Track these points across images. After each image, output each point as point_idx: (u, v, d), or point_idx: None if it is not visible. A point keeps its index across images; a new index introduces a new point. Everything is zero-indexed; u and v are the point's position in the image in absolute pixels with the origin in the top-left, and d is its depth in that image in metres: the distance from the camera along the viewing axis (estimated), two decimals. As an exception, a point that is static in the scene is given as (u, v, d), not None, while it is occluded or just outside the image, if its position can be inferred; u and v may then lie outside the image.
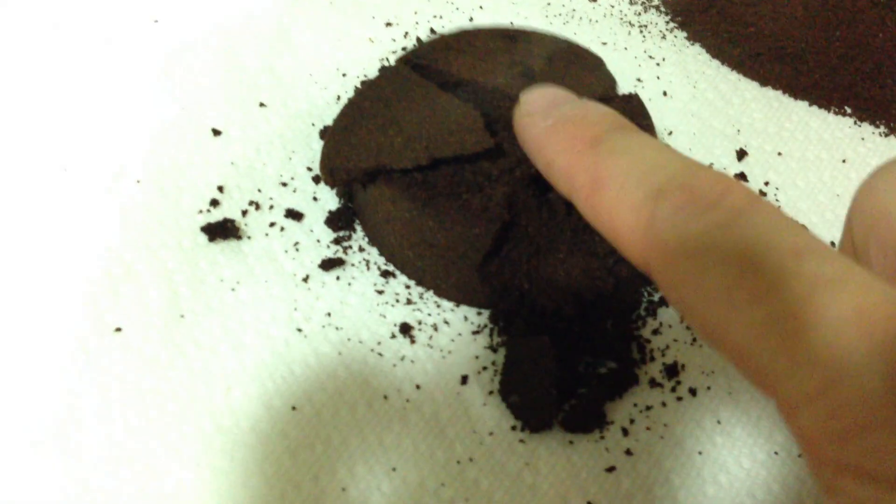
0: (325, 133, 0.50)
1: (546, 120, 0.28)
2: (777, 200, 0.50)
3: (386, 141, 0.44)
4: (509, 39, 0.50)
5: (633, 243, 0.25)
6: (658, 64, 0.57)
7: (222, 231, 0.46)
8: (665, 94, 0.55)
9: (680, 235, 0.23)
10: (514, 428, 0.40)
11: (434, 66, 0.48)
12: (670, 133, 0.53)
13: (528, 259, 0.43)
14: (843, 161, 0.52)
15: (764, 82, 0.57)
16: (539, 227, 0.43)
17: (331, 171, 0.44)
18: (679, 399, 0.42)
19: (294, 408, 0.40)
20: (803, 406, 0.20)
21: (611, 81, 0.49)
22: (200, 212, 0.47)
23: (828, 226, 0.49)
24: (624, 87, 0.54)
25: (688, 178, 0.24)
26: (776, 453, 0.40)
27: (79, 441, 0.39)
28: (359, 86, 0.50)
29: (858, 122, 0.54)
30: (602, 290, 0.43)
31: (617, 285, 0.43)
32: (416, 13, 0.58)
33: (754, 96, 0.56)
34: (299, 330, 0.43)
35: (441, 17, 0.58)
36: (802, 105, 0.55)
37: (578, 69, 0.49)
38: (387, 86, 0.47)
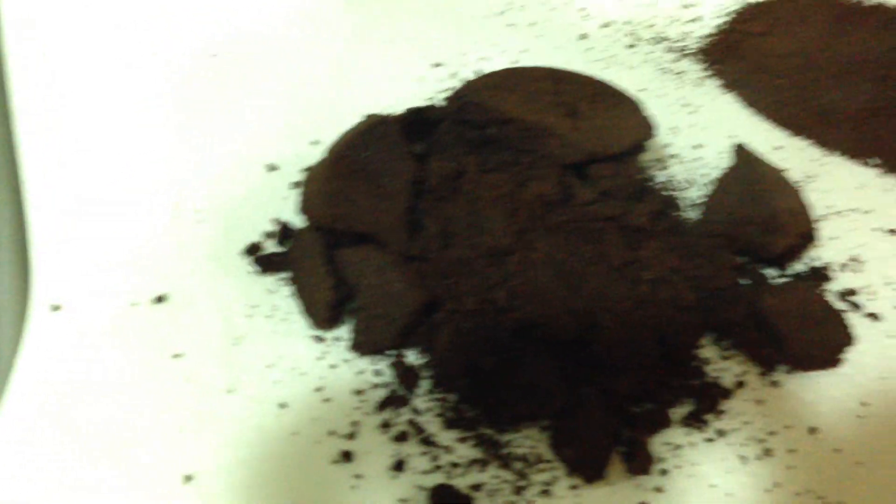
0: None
1: None
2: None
3: (377, 214, 0.48)
4: (555, 80, 0.53)
5: None
6: (692, 112, 0.59)
7: (273, 264, 0.49)
8: (697, 146, 0.57)
9: None
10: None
11: (486, 102, 0.50)
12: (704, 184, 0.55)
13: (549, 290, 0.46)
14: (867, 212, 0.53)
15: (796, 132, 0.58)
16: (568, 255, 0.46)
17: (318, 221, 0.48)
18: (709, 440, 0.44)
19: (332, 432, 0.43)
20: None
21: (649, 125, 0.51)
22: (255, 244, 0.49)
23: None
24: (660, 135, 0.56)
25: None
26: (798, 494, 0.42)
27: (139, 461, 0.41)
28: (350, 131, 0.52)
29: (887, 173, 0.56)
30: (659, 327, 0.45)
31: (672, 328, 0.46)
32: (463, 55, 0.61)
33: (784, 145, 0.57)
34: (346, 360, 0.46)
35: (488, 60, 0.60)
36: (832, 155, 0.57)
37: (620, 111, 0.52)
38: (375, 145, 0.49)
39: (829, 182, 0.55)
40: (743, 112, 0.60)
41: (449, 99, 0.52)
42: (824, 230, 0.52)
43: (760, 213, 0.49)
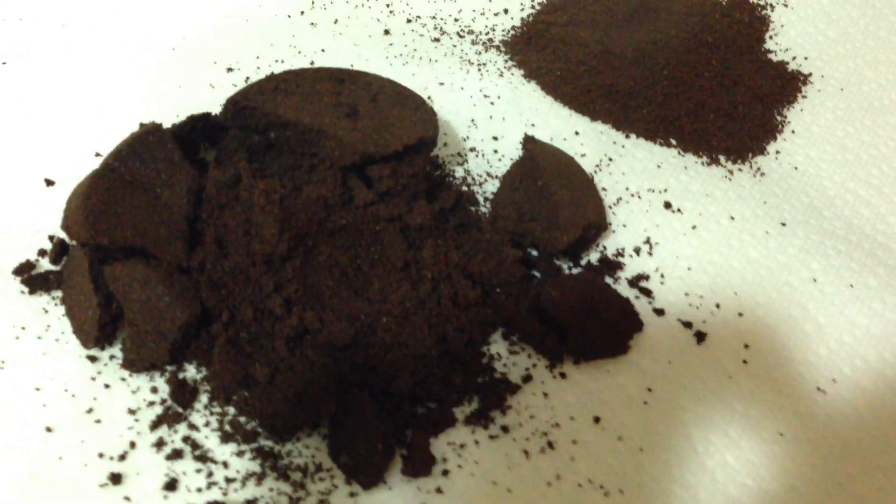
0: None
1: None
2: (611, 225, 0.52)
3: (151, 226, 0.46)
4: (337, 80, 0.52)
5: None
6: (492, 103, 0.59)
7: (42, 283, 0.47)
8: (495, 138, 0.57)
9: None
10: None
11: (261, 107, 0.49)
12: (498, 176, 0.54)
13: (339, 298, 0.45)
14: (666, 190, 0.54)
15: (594, 117, 0.58)
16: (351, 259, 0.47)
17: (78, 238, 0.45)
18: (493, 437, 0.43)
19: (102, 454, 0.41)
20: None
21: (432, 123, 0.51)
22: (27, 262, 0.47)
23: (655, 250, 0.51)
24: (459, 129, 0.56)
25: None
26: (580, 485, 0.42)
27: None
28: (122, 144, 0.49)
29: (682, 153, 0.57)
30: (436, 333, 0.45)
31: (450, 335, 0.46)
32: (258, 58, 0.59)
33: (584, 130, 0.57)
34: (122, 379, 0.44)
35: (282, 62, 0.59)
36: (631, 138, 0.58)
37: (401, 109, 0.51)
38: (147, 156, 0.48)
39: (627, 164, 0.55)
40: (544, 100, 0.59)
41: (224, 105, 0.50)
42: (621, 214, 0.53)
43: (542, 210, 0.49)
